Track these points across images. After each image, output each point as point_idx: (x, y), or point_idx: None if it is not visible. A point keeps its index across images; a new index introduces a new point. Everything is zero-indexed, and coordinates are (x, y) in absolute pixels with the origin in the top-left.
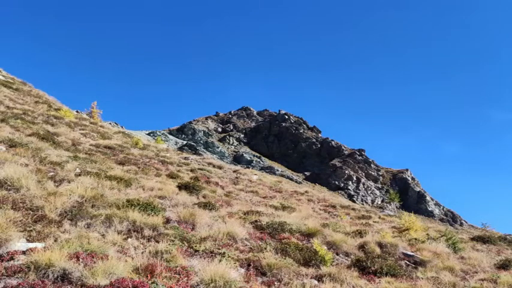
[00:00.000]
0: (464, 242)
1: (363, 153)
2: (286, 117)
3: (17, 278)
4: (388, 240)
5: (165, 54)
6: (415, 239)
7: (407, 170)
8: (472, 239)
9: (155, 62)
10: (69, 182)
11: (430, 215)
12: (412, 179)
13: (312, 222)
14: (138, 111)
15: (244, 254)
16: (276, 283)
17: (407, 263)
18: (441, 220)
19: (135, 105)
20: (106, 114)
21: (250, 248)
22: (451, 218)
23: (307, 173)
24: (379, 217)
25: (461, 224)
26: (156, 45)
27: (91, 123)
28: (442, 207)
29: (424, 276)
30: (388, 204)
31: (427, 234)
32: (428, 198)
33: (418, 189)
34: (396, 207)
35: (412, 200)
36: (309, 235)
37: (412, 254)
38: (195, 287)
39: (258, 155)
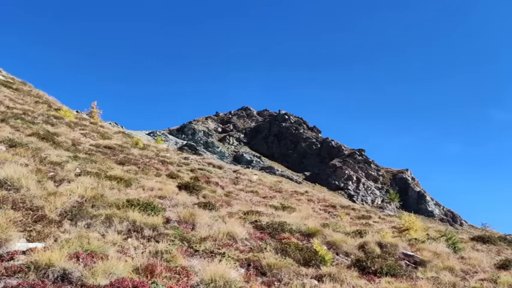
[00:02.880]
0: (464, 242)
1: (363, 153)
2: (286, 117)
3: (17, 278)
4: (388, 240)
5: (165, 54)
6: (415, 239)
7: (407, 170)
8: (472, 239)
9: (155, 62)
10: (69, 182)
11: (430, 215)
12: (412, 179)
13: (312, 222)
14: (138, 111)
15: (244, 254)
16: (276, 283)
17: (407, 263)
18: (441, 220)
19: (135, 105)
20: (106, 114)
21: (250, 248)
22: (451, 218)
23: (307, 173)
24: (379, 217)
25: (461, 224)
26: (156, 45)
27: (91, 123)
28: (442, 207)
29: (424, 276)
30: (388, 204)
31: (427, 234)
32: (428, 198)
33: (418, 189)
34: (396, 207)
35: (412, 200)
36: (309, 235)
37: (412, 254)
38: (195, 287)
39: (258, 155)
